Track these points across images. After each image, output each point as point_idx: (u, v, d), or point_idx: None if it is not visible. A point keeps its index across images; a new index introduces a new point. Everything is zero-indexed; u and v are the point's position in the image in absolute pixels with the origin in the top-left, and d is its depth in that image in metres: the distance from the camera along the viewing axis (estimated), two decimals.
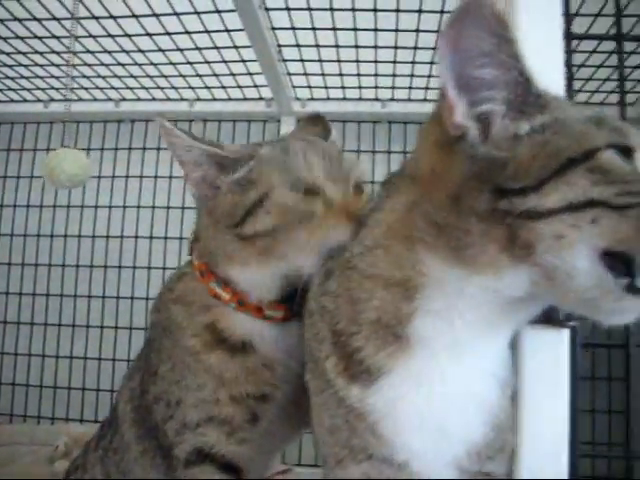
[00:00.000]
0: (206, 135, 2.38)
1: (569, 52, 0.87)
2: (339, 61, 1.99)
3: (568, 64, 0.86)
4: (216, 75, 2.11)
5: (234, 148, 1.10)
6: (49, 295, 2.38)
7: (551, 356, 0.78)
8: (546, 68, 0.78)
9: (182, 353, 1.10)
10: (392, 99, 2.24)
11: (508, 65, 0.69)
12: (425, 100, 2.20)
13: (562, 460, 0.77)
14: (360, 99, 2.24)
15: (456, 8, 0.67)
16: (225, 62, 2.02)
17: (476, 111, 0.70)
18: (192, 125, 2.39)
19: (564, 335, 0.79)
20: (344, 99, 2.25)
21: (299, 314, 1.08)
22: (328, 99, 2.26)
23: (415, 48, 1.89)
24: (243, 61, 2.01)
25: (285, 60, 2.00)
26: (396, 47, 1.90)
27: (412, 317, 0.76)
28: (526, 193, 0.65)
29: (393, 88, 2.16)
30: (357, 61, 1.99)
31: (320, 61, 2.00)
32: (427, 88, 2.13)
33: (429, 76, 2.04)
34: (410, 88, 2.15)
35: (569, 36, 0.88)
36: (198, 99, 2.32)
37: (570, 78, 0.87)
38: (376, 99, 2.24)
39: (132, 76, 2.14)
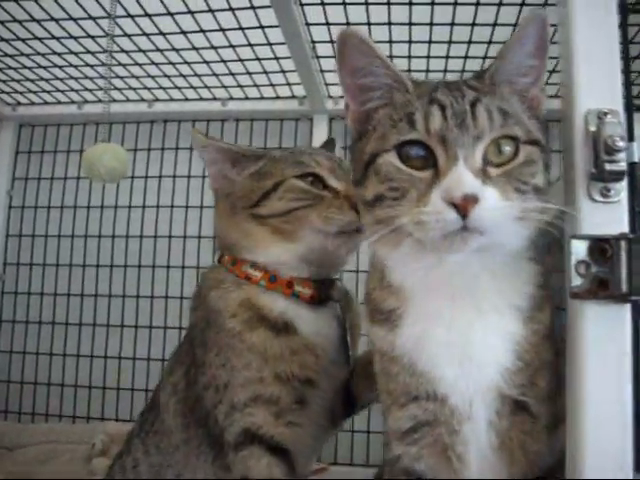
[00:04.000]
0: (239, 134, 2.39)
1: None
2: None
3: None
4: (249, 73, 2.11)
5: (245, 148, 1.33)
6: (83, 295, 2.39)
7: (613, 331, 0.76)
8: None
9: (225, 336, 1.16)
10: None
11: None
12: None
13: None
14: None
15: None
16: (259, 59, 2.02)
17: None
18: (225, 125, 2.40)
19: (626, 310, 0.77)
20: None
21: (327, 298, 1.26)
22: None
23: (450, 42, 1.88)
24: (276, 58, 2.00)
25: (319, 57, 1.99)
26: (430, 42, 1.89)
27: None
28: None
29: None
30: (390, 57, 1.97)
31: None
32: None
33: (462, 71, 2.03)
34: None
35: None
36: (231, 98, 2.32)
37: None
38: None
39: (166, 76, 2.14)
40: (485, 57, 1.90)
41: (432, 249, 0.83)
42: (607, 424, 0.75)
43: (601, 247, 0.75)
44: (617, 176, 0.75)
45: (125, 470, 1.31)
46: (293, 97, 2.29)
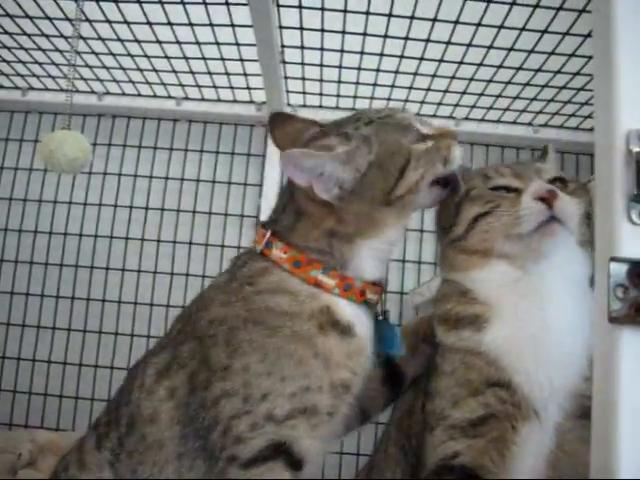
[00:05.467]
0: (190, 136, 2.31)
1: None
2: (340, 67, 1.94)
3: None
4: (210, 73, 2.03)
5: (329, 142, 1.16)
6: (13, 293, 2.24)
7: None
8: None
9: (284, 341, 1.06)
10: None
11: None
12: (418, 114, 2.18)
13: None
14: (353, 109, 2.20)
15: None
16: (223, 59, 1.95)
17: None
18: (176, 125, 2.31)
19: None
20: (337, 108, 2.21)
21: None
22: (321, 107, 2.21)
23: (421, 59, 1.86)
24: (242, 60, 1.94)
25: (285, 62, 1.94)
26: (402, 56, 1.86)
27: None
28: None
29: (389, 100, 2.12)
30: (359, 68, 1.95)
31: (321, 65, 1.94)
32: (423, 102, 2.11)
33: (410, 87, 2.05)
34: (406, 101, 2.12)
35: None
36: (186, 98, 2.23)
37: None
38: None
39: (121, 68, 2.04)
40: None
41: (526, 248, 1.05)
42: None
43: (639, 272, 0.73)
44: None
45: None
46: (251, 102, 2.23)
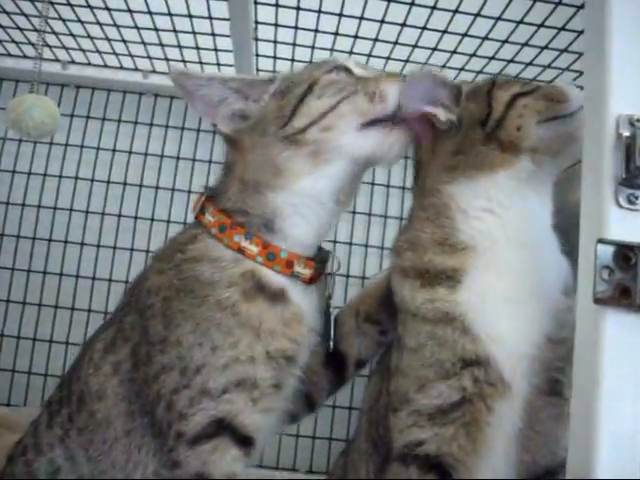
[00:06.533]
0: (156, 111, 2.27)
1: None
2: (313, 47, 1.93)
3: None
4: (180, 47, 2.00)
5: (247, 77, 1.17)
6: None
7: (634, 341, 0.74)
8: None
9: (210, 310, 1.02)
10: None
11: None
12: None
13: None
14: None
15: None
16: (194, 33, 1.91)
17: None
18: (142, 98, 2.27)
19: None
20: None
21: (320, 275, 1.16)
22: None
23: (395, 43, 1.85)
24: (214, 35, 1.91)
25: (258, 39, 1.91)
26: (376, 39, 1.85)
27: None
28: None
29: None
30: (332, 50, 1.93)
31: (294, 45, 1.92)
32: None
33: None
34: None
35: None
36: (153, 71, 2.19)
37: None
38: None
39: (89, 36, 1.98)
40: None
41: (558, 134, 1.02)
42: (620, 432, 0.72)
43: (625, 254, 0.73)
44: None
45: (37, 474, 1.11)
46: None
